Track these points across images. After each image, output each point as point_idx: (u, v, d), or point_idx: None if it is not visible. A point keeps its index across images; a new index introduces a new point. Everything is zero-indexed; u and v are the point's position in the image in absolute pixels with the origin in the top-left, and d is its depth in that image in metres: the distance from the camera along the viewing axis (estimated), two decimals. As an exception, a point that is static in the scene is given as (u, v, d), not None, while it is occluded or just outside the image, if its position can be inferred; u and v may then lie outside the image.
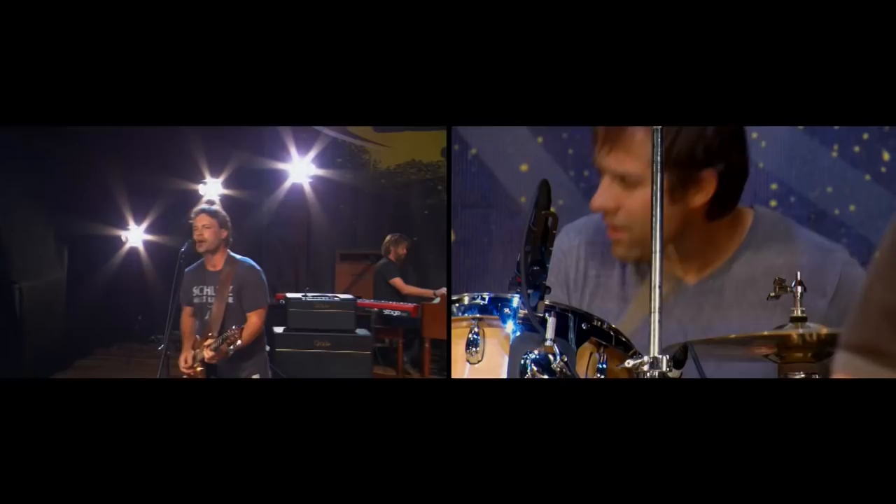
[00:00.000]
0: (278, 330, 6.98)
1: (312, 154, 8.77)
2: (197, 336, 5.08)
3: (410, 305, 8.13)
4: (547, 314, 2.78)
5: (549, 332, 2.75)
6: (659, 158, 2.84)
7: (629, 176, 3.27)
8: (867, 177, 4.32)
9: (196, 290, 5.06)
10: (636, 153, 3.23)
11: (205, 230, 5.02)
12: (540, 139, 4.35)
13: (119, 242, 8.46)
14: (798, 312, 2.93)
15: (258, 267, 5.17)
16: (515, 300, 2.85)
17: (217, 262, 5.08)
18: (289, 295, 7.35)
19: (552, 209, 2.76)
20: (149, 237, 8.45)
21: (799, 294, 2.95)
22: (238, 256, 5.14)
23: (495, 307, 2.88)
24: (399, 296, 8.47)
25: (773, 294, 2.97)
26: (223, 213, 5.14)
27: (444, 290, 8.12)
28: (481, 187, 4.38)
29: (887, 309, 1.84)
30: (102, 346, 8.91)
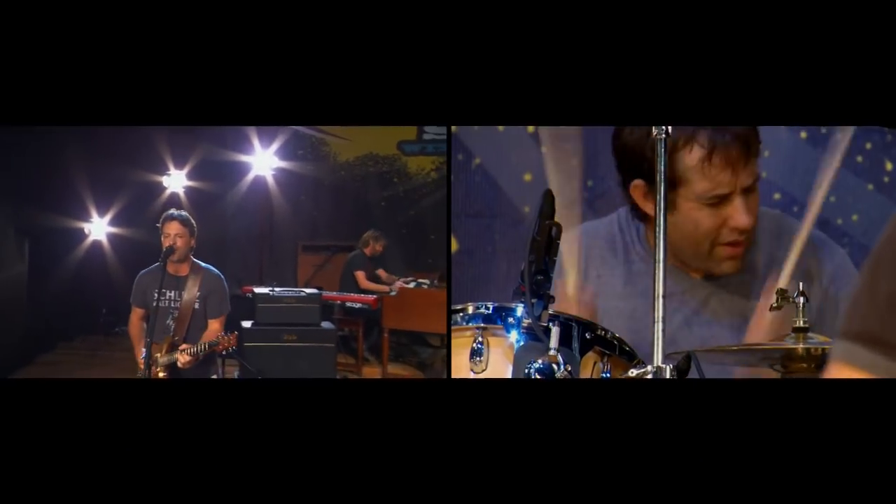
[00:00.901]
0: (246, 324, 7.01)
1: (275, 146, 8.75)
2: (147, 338, 5.06)
3: (371, 298, 8.29)
4: (551, 323, 2.82)
5: (553, 342, 2.79)
6: (662, 168, 2.88)
7: (756, 182, 3.39)
8: (870, 186, 4.38)
9: (155, 294, 5.02)
10: (738, 158, 3.35)
11: (178, 238, 4.99)
12: (544, 149, 4.38)
13: (82, 235, 8.35)
14: (800, 323, 2.98)
15: (221, 275, 5.21)
16: (519, 309, 2.89)
17: (182, 268, 5.07)
18: (257, 290, 7.38)
19: (556, 219, 2.80)
20: (112, 230, 8.33)
21: (801, 304, 3.00)
22: (202, 264, 5.14)
23: (499, 316, 2.93)
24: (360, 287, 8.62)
25: (774, 305, 3.02)
26: (192, 220, 5.11)
27: (400, 284, 8.34)
28: (485, 197, 4.40)
29: (892, 297, 1.85)
30: (65, 339, 8.83)
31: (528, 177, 4.41)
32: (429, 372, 8.19)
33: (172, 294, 5.04)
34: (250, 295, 7.37)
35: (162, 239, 5.02)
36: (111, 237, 8.36)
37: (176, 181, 8.35)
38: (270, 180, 8.99)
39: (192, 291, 5.02)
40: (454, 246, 4.31)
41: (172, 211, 5.13)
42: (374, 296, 8.29)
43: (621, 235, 3.66)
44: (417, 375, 8.20)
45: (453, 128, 4.21)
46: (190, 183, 8.42)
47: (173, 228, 5.00)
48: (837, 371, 1.93)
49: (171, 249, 4.95)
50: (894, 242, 1.88)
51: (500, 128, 4.37)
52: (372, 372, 8.16)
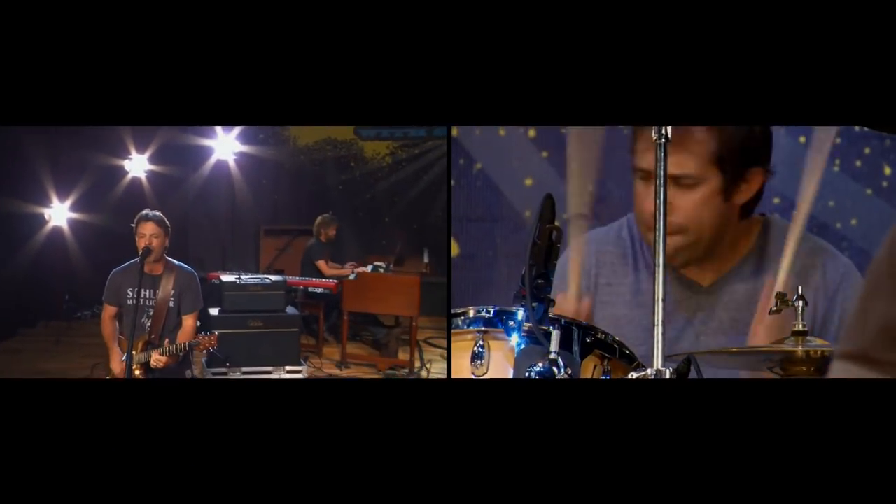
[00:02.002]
0: (214, 311, 7.04)
1: (236, 130, 8.72)
2: (121, 336, 5.04)
3: (332, 283, 8.42)
4: (551, 327, 2.84)
5: (554, 345, 2.80)
6: (662, 172, 2.89)
7: (687, 177, 3.35)
8: (868, 191, 4.42)
9: (130, 292, 4.99)
10: (697, 152, 3.32)
11: (153, 239, 4.93)
12: (545, 153, 4.39)
13: (42, 220, 8.23)
14: (799, 326, 3.01)
15: (194, 271, 5.21)
16: (520, 313, 2.90)
17: (157, 267, 5.04)
18: (223, 278, 7.40)
19: (556, 223, 2.82)
20: (73, 215, 8.24)
21: (800, 308, 3.02)
22: (175, 261, 5.12)
23: (500, 320, 2.93)
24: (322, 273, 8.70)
25: (774, 308, 3.04)
26: (166, 220, 5.07)
27: (361, 268, 8.41)
28: (486, 201, 4.41)
29: (884, 319, 1.91)
30: (28, 326, 8.75)
31: (529, 181, 4.43)
32: (384, 351, 8.28)
33: (148, 293, 5.01)
34: (217, 282, 7.41)
35: (137, 239, 4.95)
36: (72, 222, 8.26)
37: (138, 165, 8.29)
38: (232, 164, 8.97)
39: (166, 289, 4.99)
40: (455, 250, 4.33)
41: (147, 211, 5.06)
42: (335, 280, 8.37)
43: (630, 241, 3.66)
44: (373, 354, 8.29)
45: (455, 133, 4.24)
46: (152, 167, 8.36)
47: (148, 229, 4.94)
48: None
49: (149, 251, 4.89)
50: (886, 264, 1.95)
51: (502, 132, 4.39)
52: (331, 352, 8.25)
